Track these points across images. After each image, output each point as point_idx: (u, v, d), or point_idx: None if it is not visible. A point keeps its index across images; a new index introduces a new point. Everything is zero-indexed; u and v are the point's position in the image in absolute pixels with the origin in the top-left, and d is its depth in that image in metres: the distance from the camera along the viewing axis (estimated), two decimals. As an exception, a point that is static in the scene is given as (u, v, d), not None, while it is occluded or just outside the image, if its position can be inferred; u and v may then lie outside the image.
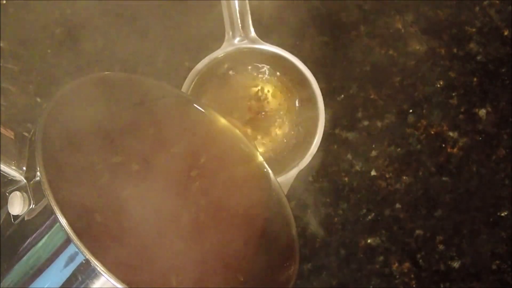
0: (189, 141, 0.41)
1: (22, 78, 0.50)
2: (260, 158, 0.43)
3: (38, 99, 0.50)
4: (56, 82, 0.50)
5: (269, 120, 0.50)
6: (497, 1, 0.50)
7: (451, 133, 0.51)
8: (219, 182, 0.40)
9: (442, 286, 0.51)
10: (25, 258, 0.29)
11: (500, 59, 0.51)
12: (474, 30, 0.51)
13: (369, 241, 0.51)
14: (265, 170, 0.42)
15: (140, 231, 0.34)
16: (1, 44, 0.50)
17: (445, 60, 0.51)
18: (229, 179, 0.41)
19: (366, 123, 0.51)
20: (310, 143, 0.46)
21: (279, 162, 0.49)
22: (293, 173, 0.46)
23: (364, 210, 0.51)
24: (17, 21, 0.50)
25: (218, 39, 0.49)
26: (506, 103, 0.51)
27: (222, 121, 0.43)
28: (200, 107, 0.42)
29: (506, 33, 0.51)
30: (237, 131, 0.43)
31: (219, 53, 0.47)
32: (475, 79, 0.51)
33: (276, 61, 0.48)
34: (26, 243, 0.30)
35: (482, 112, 0.51)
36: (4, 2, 0.50)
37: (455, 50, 0.51)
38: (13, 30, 0.50)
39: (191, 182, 0.40)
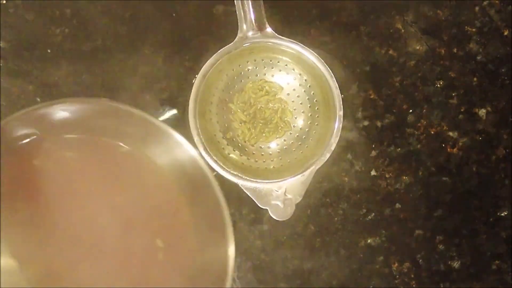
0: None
1: (22, 78, 0.50)
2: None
3: (38, 99, 0.50)
4: (56, 82, 0.50)
5: (284, 118, 0.49)
6: (497, 1, 0.51)
7: (451, 133, 0.51)
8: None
9: (442, 286, 0.51)
10: None
11: (500, 59, 0.51)
12: (474, 30, 0.51)
13: (369, 241, 0.51)
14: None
15: None
16: (1, 44, 0.50)
17: (445, 60, 0.51)
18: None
19: (366, 123, 0.51)
20: (327, 140, 0.46)
21: (297, 159, 0.48)
22: (311, 171, 0.46)
23: (364, 210, 0.51)
24: (17, 21, 0.50)
25: (218, 39, 0.49)
26: (506, 103, 0.51)
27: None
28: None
29: (506, 33, 0.51)
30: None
31: (231, 47, 0.46)
32: (475, 79, 0.51)
33: (291, 56, 0.48)
34: None
35: (482, 112, 0.51)
36: (4, 2, 0.50)
37: (455, 50, 0.51)
38: (13, 30, 0.50)
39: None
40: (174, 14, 0.50)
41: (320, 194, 0.51)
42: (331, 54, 0.50)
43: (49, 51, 0.50)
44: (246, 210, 0.50)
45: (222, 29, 0.50)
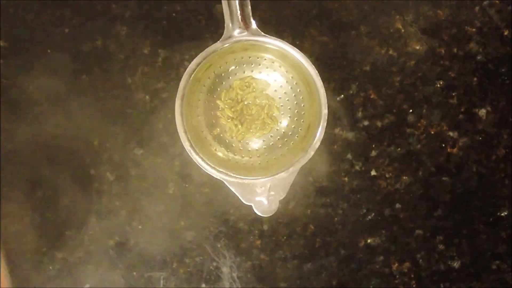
0: None
1: (22, 78, 0.50)
2: None
3: (38, 99, 0.50)
4: (56, 82, 0.50)
5: (271, 115, 0.50)
6: (497, 1, 0.51)
7: (451, 133, 0.51)
8: None
9: (442, 286, 0.51)
10: None
11: (500, 59, 0.51)
12: (474, 30, 0.51)
13: (369, 241, 0.51)
14: None
15: None
16: (1, 44, 0.50)
17: (445, 60, 0.51)
18: None
19: (366, 123, 0.51)
20: (313, 137, 0.46)
21: (282, 156, 0.48)
22: (295, 168, 0.46)
23: (364, 210, 0.51)
24: (17, 21, 0.50)
25: (218, 38, 0.49)
26: (506, 103, 0.51)
27: None
28: None
29: (506, 33, 0.51)
30: None
31: (217, 46, 0.46)
32: (475, 79, 0.51)
33: (277, 54, 0.48)
34: None
35: (482, 112, 0.51)
36: (4, 2, 0.50)
37: (455, 50, 0.51)
38: (13, 30, 0.50)
39: None
40: (174, 14, 0.50)
41: (320, 194, 0.51)
42: (331, 54, 0.50)
43: (49, 51, 0.50)
44: (246, 210, 0.50)
45: (221, 28, 0.49)
